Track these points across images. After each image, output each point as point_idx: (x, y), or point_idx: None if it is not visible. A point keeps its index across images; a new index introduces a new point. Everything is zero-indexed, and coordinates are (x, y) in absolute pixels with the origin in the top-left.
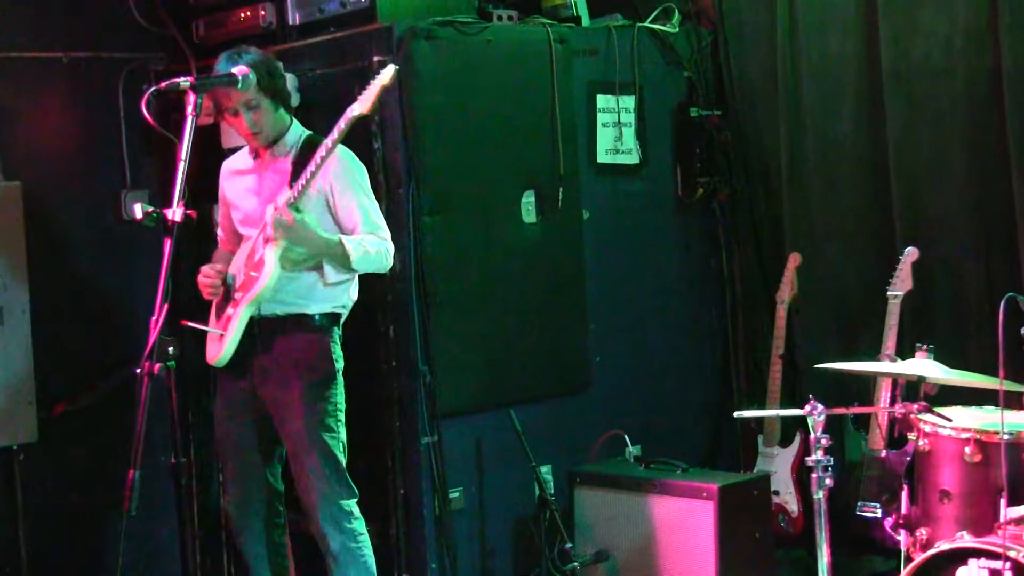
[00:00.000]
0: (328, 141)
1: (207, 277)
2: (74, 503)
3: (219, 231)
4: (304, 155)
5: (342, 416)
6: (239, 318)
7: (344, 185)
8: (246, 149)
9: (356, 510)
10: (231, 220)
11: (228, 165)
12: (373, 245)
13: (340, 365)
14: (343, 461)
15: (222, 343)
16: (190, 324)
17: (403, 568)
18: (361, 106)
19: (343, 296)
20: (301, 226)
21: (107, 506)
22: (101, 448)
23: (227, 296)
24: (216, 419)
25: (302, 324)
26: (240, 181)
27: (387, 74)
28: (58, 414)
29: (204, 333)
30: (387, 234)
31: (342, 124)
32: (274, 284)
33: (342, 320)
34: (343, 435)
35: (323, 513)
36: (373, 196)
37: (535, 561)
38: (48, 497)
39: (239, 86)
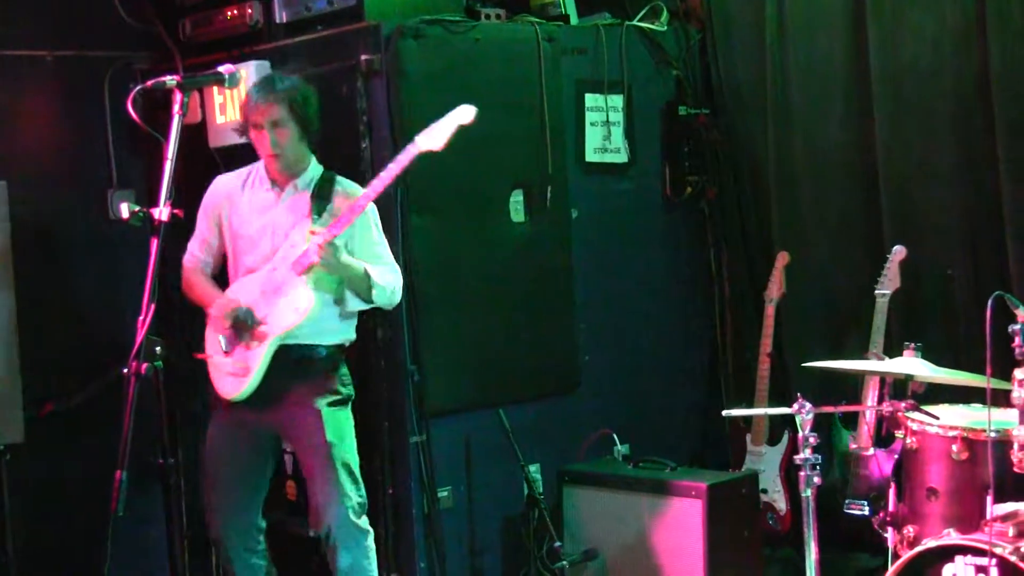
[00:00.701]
0: (393, 168)
1: (227, 316)
2: (61, 503)
3: (197, 251)
4: (323, 190)
5: (353, 437)
6: (266, 352)
7: (368, 224)
8: (254, 175)
9: (367, 524)
10: (218, 239)
11: (231, 187)
12: (390, 284)
13: (352, 392)
14: (359, 476)
15: (246, 377)
16: (205, 357)
17: (392, 567)
18: (431, 142)
19: (350, 330)
20: (339, 254)
21: (94, 506)
22: (88, 448)
23: (241, 329)
24: (209, 447)
25: (315, 355)
26: (250, 208)
27: (468, 114)
28: (45, 414)
29: (200, 349)
30: (399, 271)
31: (404, 159)
32: (313, 316)
33: (345, 354)
34: (356, 456)
35: (339, 530)
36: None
37: (524, 560)
38: (34, 497)
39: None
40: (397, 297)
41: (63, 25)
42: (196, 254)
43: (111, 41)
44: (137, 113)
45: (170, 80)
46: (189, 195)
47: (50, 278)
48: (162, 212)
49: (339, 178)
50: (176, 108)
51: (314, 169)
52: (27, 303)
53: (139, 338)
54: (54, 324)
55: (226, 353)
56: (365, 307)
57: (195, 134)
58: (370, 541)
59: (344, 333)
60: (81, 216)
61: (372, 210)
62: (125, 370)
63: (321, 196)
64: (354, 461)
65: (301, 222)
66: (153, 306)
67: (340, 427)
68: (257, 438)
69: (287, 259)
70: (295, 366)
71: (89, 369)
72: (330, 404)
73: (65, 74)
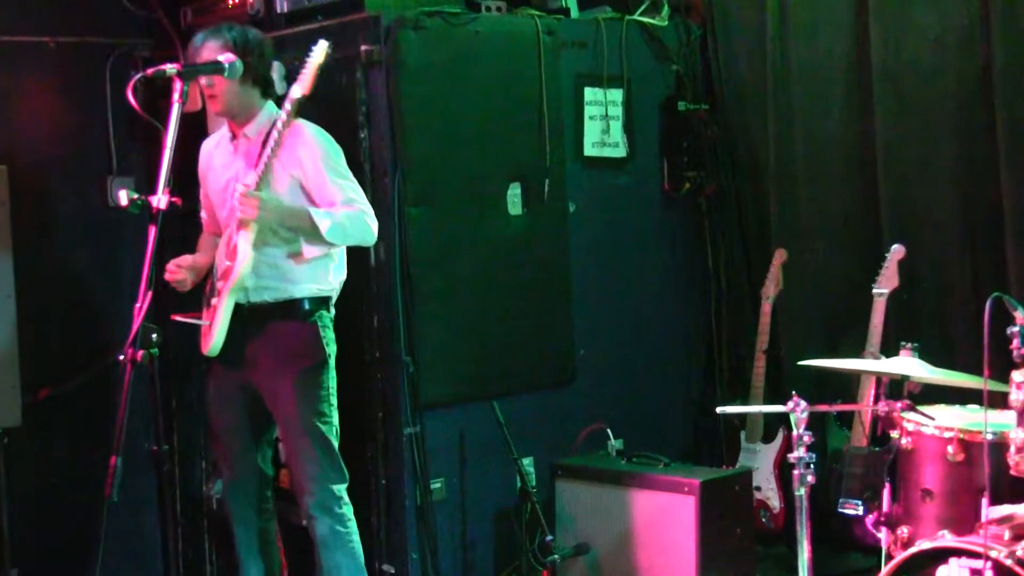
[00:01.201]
0: (278, 124)
1: (172, 273)
2: (57, 487)
3: (202, 213)
4: (271, 136)
5: (334, 400)
6: (223, 307)
7: (314, 165)
8: (224, 133)
9: (346, 495)
10: (209, 201)
11: (206, 148)
12: (348, 217)
13: (332, 350)
14: (335, 445)
15: (210, 332)
16: (179, 319)
17: (384, 558)
18: (302, 87)
19: (326, 278)
20: (265, 203)
21: (89, 491)
22: (84, 433)
23: (212, 286)
24: (208, 406)
25: (291, 310)
26: (218, 166)
27: (320, 52)
28: (42, 399)
29: (195, 324)
30: (365, 206)
31: (288, 106)
32: (249, 271)
33: (332, 303)
34: (335, 419)
35: (313, 496)
36: (349, 173)
37: (516, 553)
38: (31, 481)
39: (225, 74)
40: (368, 233)
41: (65, 12)
42: (204, 216)
43: (112, 28)
44: (137, 101)
45: (170, 68)
46: (187, 183)
47: (49, 264)
48: (160, 200)
49: (279, 114)
50: (176, 96)
51: (265, 114)
52: (26, 288)
53: (135, 325)
54: (52, 309)
55: (206, 310)
56: (328, 248)
57: (194, 122)
58: (347, 511)
59: (319, 280)
60: (80, 202)
61: (321, 149)
62: (121, 357)
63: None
64: (328, 429)
65: (248, 173)
66: (150, 293)
67: (313, 396)
68: (244, 395)
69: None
70: (270, 324)
71: (86, 355)
72: (303, 372)
73: (67, 60)
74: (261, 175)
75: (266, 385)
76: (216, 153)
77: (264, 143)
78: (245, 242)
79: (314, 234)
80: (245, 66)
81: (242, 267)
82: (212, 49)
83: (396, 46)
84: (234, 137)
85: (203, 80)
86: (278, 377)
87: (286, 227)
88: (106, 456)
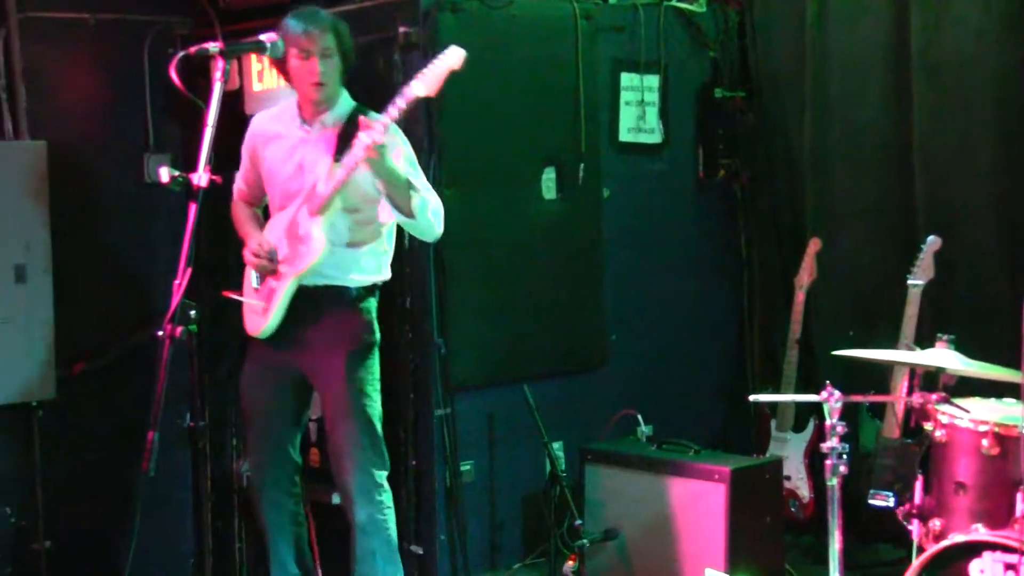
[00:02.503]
0: (385, 119)
1: (258, 254)
2: (90, 461)
3: (240, 183)
4: (350, 128)
5: (378, 386)
6: (285, 292)
7: (397, 156)
8: (286, 112)
9: (386, 482)
10: (257, 178)
11: (266, 125)
12: (433, 199)
13: (378, 337)
14: (380, 431)
15: (266, 315)
16: (232, 296)
17: (413, 539)
18: (426, 87)
19: (381, 269)
20: (386, 157)
21: (122, 465)
22: (117, 408)
23: (267, 267)
24: (243, 387)
25: (342, 296)
26: (280, 147)
27: (456, 57)
28: (77, 373)
29: (229, 300)
30: (440, 203)
31: (402, 104)
32: (324, 259)
33: (378, 290)
34: (379, 406)
35: (355, 481)
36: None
37: (544, 537)
38: (65, 454)
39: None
40: (439, 224)
41: None
42: (240, 187)
43: (152, 6)
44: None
45: (213, 47)
46: (225, 160)
47: (86, 238)
48: (201, 177)
49: (370, 113)
50: (218, 75)
51: (343, 105)
52: (62, 263)
53: (175, 301)
54: (88, 284)
55: (256, 290)
56: (406, 225)
57: (232, 100)
58: (386, 498)
59: (372, 272)
60: (117, 178)
61: (407, 144)
62: (160, 332)
63: (347, 133)
64: (375, 413)
65: (322, 160)
66: (189, 270)
67: (362, 378)
68: (286, 378)
69: (310, 199)
70: (321, 308)
71: (121, 330)
72: (353, 353)
73: (105, 37)
74: (386, 127)
75: (315, 366)
76: (276, 131)
77: (343, 133)
78: (319, 230)
79: (402, 201)
80: (343, 56)
81: (319, 255)
82: (326, 36)
83: (434, 28)
84: (304, 122)
85: (317, 64)
86: (330, 357)
87: (386, 183)
88: (139, 431)
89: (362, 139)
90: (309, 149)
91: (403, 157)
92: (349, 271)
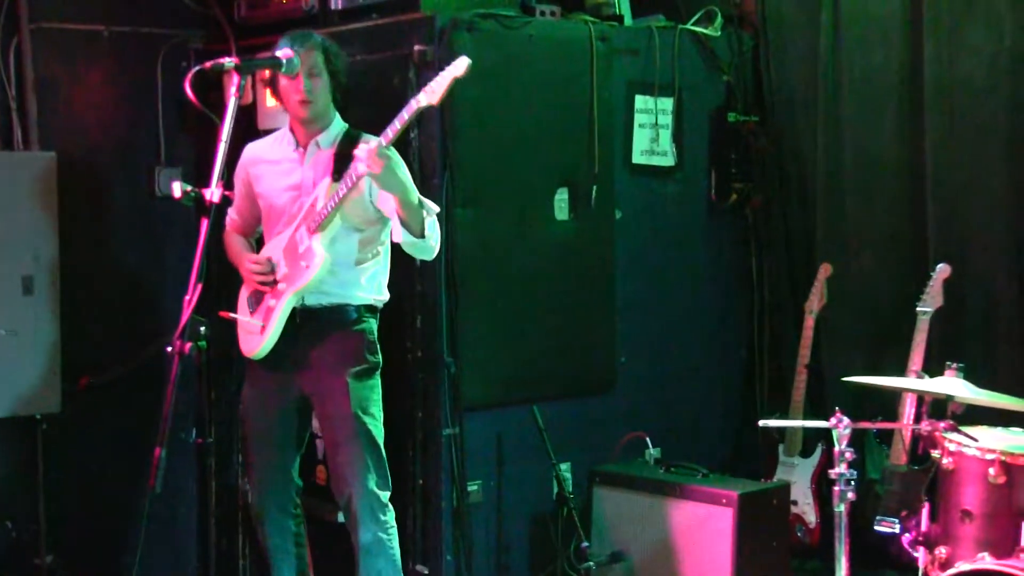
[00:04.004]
0: (394, 127)
1: (258, 265)
2: (94, 475)
3: (233, 214)
4: (345, 148)
5: (380, 407)
6: (281, 309)
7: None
8: (277, 138)
9: (388, 501)
10: (251, 206)
11: (257, 153)
12: (435, 224)
13: (380, 359)
14: (383, 451)
15: (263, 335)
16: (229, 316)
17: (419, 558)
18: (428, 97)
19: (381, 289)
20: (394, 162)
21: (126, 479)
22: (122, 422)
23: (264, 287)
24: (243, 410)
25: (344, 315)
26: (275, 172)
27: (460, 65)
28: (82, 387)
29: (230, 320)
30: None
31: (406, 115)
32: (324, 274)
33: (377, 313)
34: (381, 427)
35: (360, 503)
36: None
37: (550, 558)
38: (68, 468)
39: (283, 70)
40: (436, 243)
41: (121, 1)
42: (233, 217)
43: (166, 19)
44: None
45: (229, 62)
46: (232, 174)
47: (94, 251)
48: (214, 193)
49: (364, 135)
50: (233, 90)
51: (337, 126)
52: (70, 276)
53: (185, 317)
54: (95, 297)
55: (251, 312)
56: (412, 245)
57: (245, 115)
58: (390, 518)
59: (374, 291)
60: (128, 192)
61: (400, 164)
62: (169, 348)
63: (344, 153)
64: (378, 433)
65: (322, 181)
66: (200, 286)
67: (365, 398)
68: (286, 399)
69: (308, 218)
70: (323, 328)
71: (128, 344)
72: (356, 374)
73: (120, 50)
74: (393, 135)
75: (316, 387)
76: (270, 157)
77: (339, 153)
78: (320, 245)
79: (412, 219)
80: (332, 75)
81: (318, 271)
82: (312, 55)
83: (449, 47)
84: (299, 145)
85: (303, 83)
86: (331, 378)
87: (397, 196)
88: (144, 446)
89: (361, 150)
90: (306, 171)
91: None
92: (352, 290)
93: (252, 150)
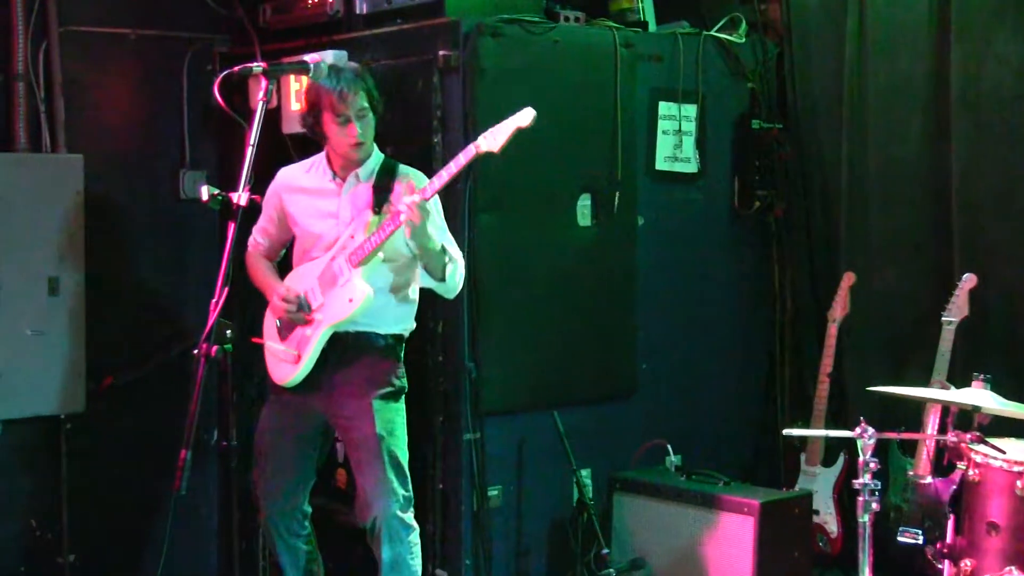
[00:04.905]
0: (450, 171)
1: (289, 302)
2: (116, 475)
3: (259, 238)
4: (383, 180)
5: (405, 431)
6: (318, 340)
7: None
8: (316, 166)
9: (413, 520)
10: (280, 231)
11: (291, 179)
12: (460, 267)
13: (406, 384)
14: (407, 471)
15: (297, 364)
16: (262, 343)
17: (439, 562)
18: (489, 143)
19: (409, 319)
20: (429, 217)
21: (149, 479)
22: (145, 423)
23: (297, 316)
24: (261, 429)
25: (373, 343)
26: (312, 201)
27: (526, 117)
28: (105, 387)
29: (257, 321)
30: (462, 262)
31: (463, 159)
32: (366, 308)
33: (404, 342)
34: (405, 448)
35: (384, 524)
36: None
37: (570, 564)
38: (91, 468)
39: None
40: (459, 284)
41: (148, 5)
42: (259, 240)
43: (192, 23)
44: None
45: (257, 67)
46: (259, 179)
47: (119, 252)
48: (241, 197)
49: (401, 166)
50: (261, 95)
51: (375, 159)
52: (95, 277)
53: (211, 320)
54: (120, 299)
55: (282, 339)
56: (433, 286)
57: (268, 119)
58: (414, 537)
59: (403, 322)
60: (152, 194)
61: (435, 202)
62: (195, 351)
63: (382, 186)
64: (403, 455)
65: (362, 214)
66: (227, 290)
67: (390, 420)
68: (307, 424)
69: (346, 250)
70: (351, 354)
71: (151, 345)
72: (382, 396)
73: (146, 53)
74: (436, 190)
75: (343, 409)
76: (307, 185)
77: (378, 185)
78: (363, 281)
79: (439, 270)
80: (375, 111)
81: (360, 305)
82: (360, 97)
83: (474, 52)
84: (336, 176)
85: (355, 128)
86: (357, 401)
87: (422, 247)
88: (166, 446)
89: (406, 199)
90: (343, 202)
91: (436, 215)
92: (383, 319)
93: (287, 176)
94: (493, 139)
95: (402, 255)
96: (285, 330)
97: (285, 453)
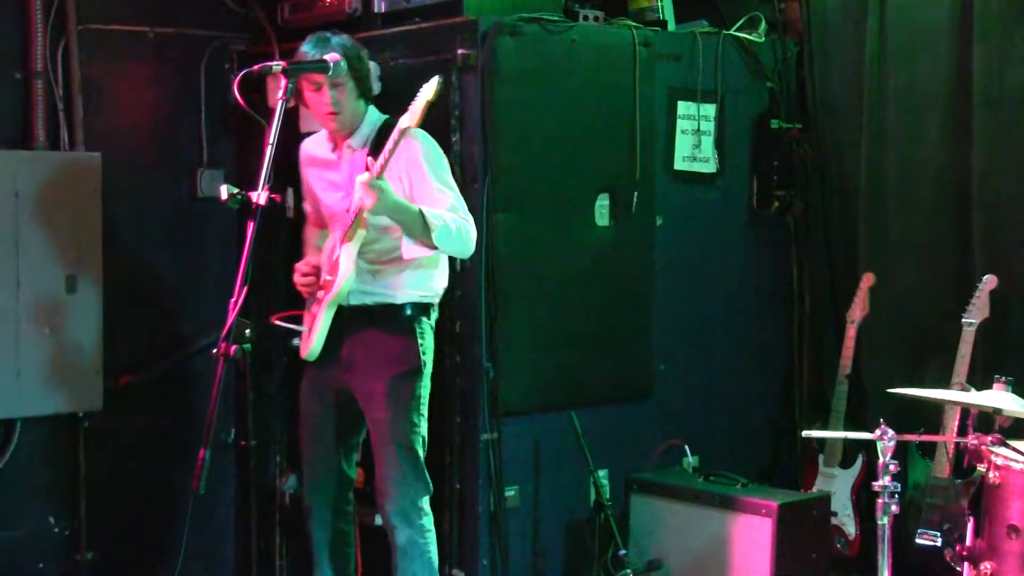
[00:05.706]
0: (388, 145)
1: (305, 276)
2: (134, 473)
3: (306, 205)
4: (381, 140)
5: (425, 411)
6: (323, 317)
7: (422, 172)
8: (324, 135)
9: (427, 506)
10: (314, 200)
11: (308, 150)
12: (454, 222)
13: (428, 359)
14: (422, 455)
15: (308, 340)
16: (279, 323)
17: (455, 562)
18: (410, 119)
19: (429, 284)
20: (385, 193)
21: (166, 477)
22: (162, 422)
23: (313, 291)
24: (300, 401)
25: (391, 314)
26: (322, 172)
27: (431, 88)
28: (123, 385)
29: (294, 329)
30: (469, 217)
31: (396, 135)
32: (350, 286)
33: (433, 309)
34: (424, 429)
35: (395, 505)
36: (454, 183)
37: (587, 565)
38: (109, 466)
39: (330, 73)
40: (469, 243)
41: (166, 3)
42: (308, 209)
43: (210, 21)
44: (240, 96)
45: (276, 65)
46: (276, 177)
47: (137, 251)
48: (260, 196)
49: (397, 125)
50: (280, 93)
51: (368, 124)
52: (112, 275)
53: (230, 320)
54: (137, 297)
55: (305, 314)
56: (428, 251)
57: (287, 118)
58: (427, 522)
59: (419, 286)
60: (170, 192)
61: (430, 158)
62: (215, 351)
63: (378, 149)
64: (416, 440)
65: (353, 182)
66: (246, 289)
67: (405, 402)
68: (338, 396)
69: (342, 224)
70: (368, 327)
71: (168, 344)
72: (396, 376)
73: (163, 51)
74: (382, 167)
75: (360, 387)
76: (317, 155)
77: (373, 148)
78: (347, 256)
79: (421, 234)
80: (357, 81)
81: (344, 281)
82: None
83: (492, 51)
84: (335, 147)
85: (327, 95)
86: (372, 380)
87: (396, 221)
88: (184, 444)
89: (358, 184)
90: (343, 172)
91: (426, 167)
92: (397, 289)
93: (305, 147)
94: (411, 116)
95: (386, 224)
96: (307, 305)
97: (322, 420)
